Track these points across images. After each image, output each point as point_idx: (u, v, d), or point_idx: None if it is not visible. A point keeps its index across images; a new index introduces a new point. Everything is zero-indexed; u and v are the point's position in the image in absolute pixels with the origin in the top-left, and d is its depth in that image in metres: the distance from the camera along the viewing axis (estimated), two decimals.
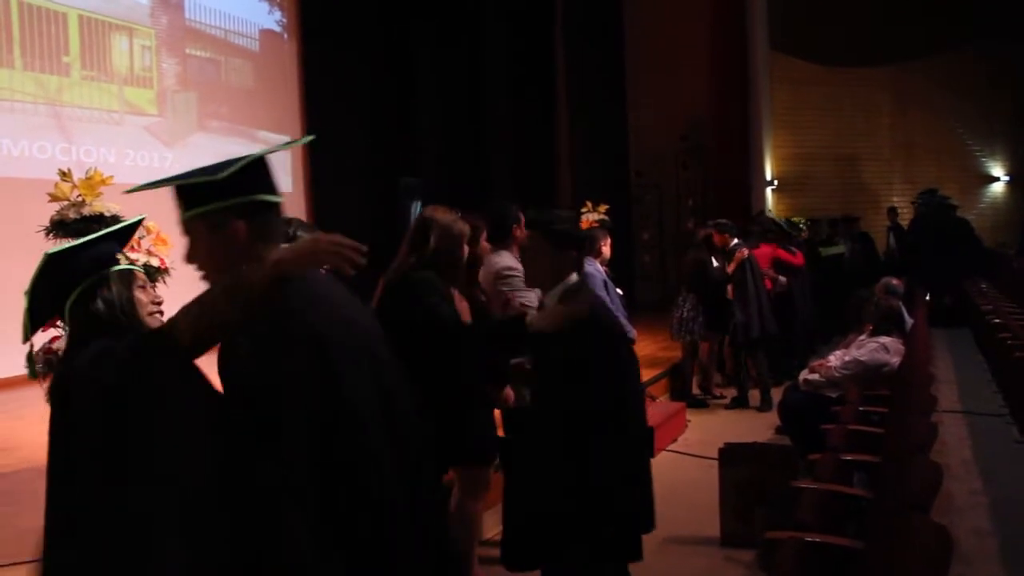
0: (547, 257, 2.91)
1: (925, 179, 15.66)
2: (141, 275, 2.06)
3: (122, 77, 9.40)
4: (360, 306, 2.06)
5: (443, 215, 3.37)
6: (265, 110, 11.03)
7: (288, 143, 9.42)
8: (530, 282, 3.11)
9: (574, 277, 2.94)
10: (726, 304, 7.71)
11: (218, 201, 1.83)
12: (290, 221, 2.94)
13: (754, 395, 7.79)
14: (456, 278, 3.40)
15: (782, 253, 8.75)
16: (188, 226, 1.88)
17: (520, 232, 4.41)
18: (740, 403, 7.81)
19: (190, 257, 1.90)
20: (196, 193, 1.85)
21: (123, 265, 2.03)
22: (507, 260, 4.30)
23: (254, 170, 1.87)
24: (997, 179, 16.58)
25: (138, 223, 2.25)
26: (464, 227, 3.40)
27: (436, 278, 3.24)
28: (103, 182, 5.39)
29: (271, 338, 1.77)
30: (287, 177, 11.24)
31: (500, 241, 4.31)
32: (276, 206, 1.92)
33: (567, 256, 2.91)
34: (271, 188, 1.92)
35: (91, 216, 5.26)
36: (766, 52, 15.34)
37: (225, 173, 1.79)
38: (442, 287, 3.25)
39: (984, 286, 11.12)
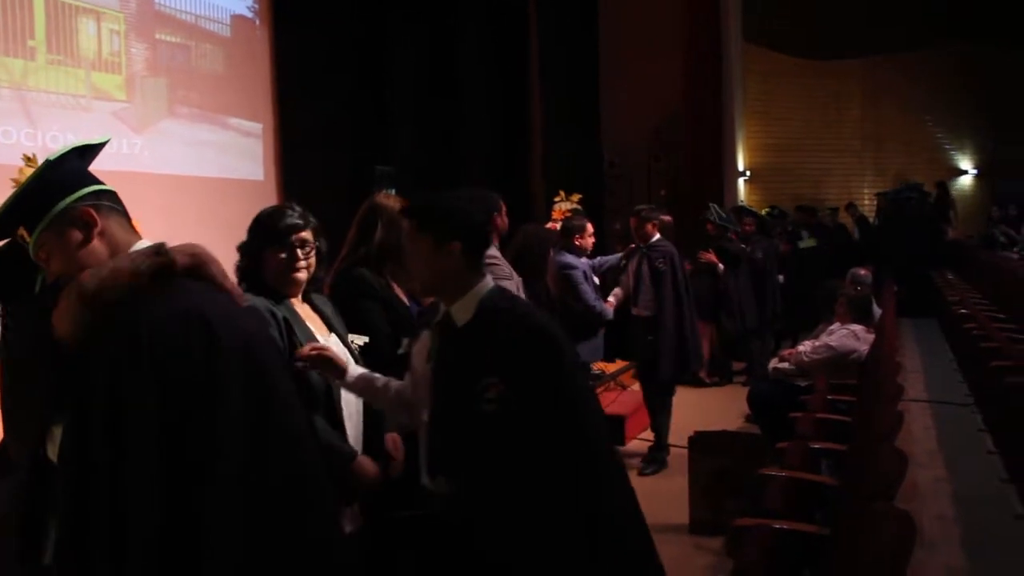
0: (427, 255, 2.23)
1: (895, 171, 15.85)
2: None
3: (89, 62, 9.27)
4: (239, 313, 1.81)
5: (392, 204, 3.21)
6: (236, 96, 10.92)
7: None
8: (419, 290, 2.41)
9: (488, 282, 2.26)
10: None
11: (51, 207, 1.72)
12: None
13: None
14: (401, 271, 3.19)
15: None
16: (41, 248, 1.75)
17: (501, 221, 4.41)
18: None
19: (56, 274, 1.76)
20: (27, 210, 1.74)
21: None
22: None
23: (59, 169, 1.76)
24: (965, 172, 16.80)
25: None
26: None
27: (372, 276, 3.08)
28: None
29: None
30: (258, 166, 11.14)
31: None
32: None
33: (450, 250, 2.20)
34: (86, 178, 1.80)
35: None
36: (739, 43, 15.40)
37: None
38: (380, 285, 3.09)
39: (951, 277, 11.27)
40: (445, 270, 2.20)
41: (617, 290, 6.31)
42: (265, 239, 2.55)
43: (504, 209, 4.44)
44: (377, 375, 2.50)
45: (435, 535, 2.18)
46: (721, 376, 8.65)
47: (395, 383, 2.48)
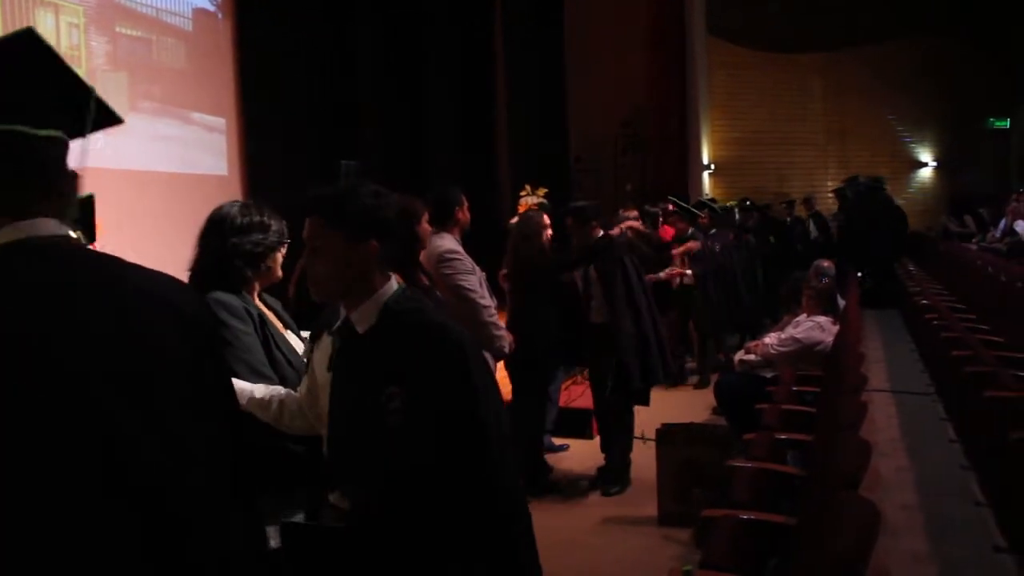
0: (338, 254, 1.98)
1: (858, 164, 16.03)
2: None
3: None
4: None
5: None
6: (198, 91, 10.79)
7: None
8: (321, 294, 2.06)
9: (393, 285, 2.03)
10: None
11: None
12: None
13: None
14: None
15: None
16: None
17: (463, 215, 4.41)
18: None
19: None
20: None
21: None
22: (449, 243, 4.29)
23: None
24: (925, 164, 17.05)
25: None
26: None
27: None
28: None
29: None
30: (221, 161, 11.02)
31: (442, 224, 4.29)
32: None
33: (365, 250, 1.97)
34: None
35: None
36: (703, 37, 15.50)
37: None
38: None
39: (912, 268, 11.42)
40: (355, 272, 1.98)
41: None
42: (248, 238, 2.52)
43: (466, 204, 4.44)
44: (257, 387, 2.35)
45: (336, 547, 2.00)
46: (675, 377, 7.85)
47: (279, 395, 2.34)
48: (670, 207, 8.86)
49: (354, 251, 1.96)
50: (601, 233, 5.37)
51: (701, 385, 7.81)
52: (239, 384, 2.26)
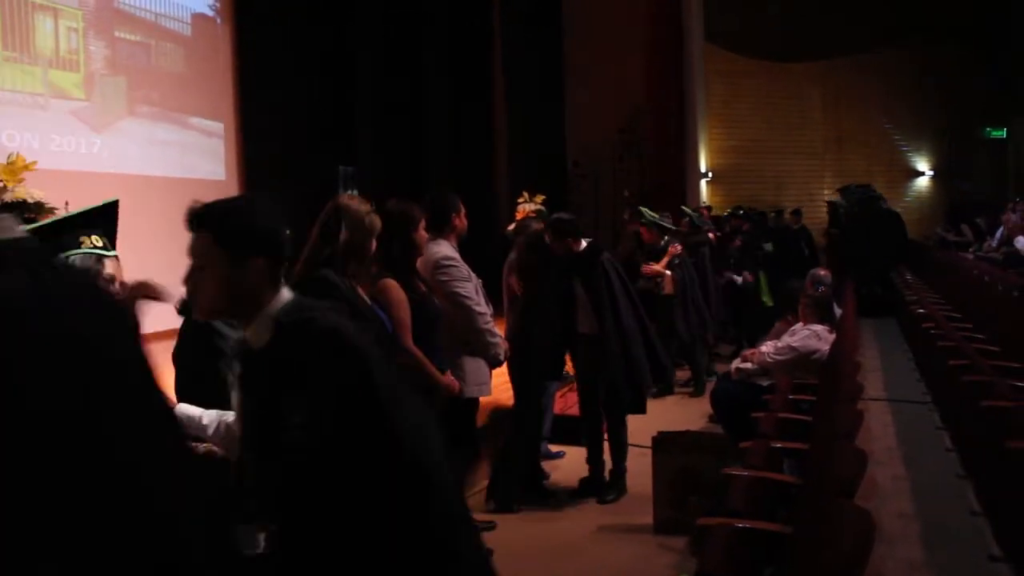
0: (224, 272, 1.91)
1: (855, 172, 16.07)
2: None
3: (47, 59, 9.11)
4: None
5: (357, 206, 3.21)
6: (197, 96, 10.80)
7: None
8: (205, 313, 2.01)
9: (284, 296, 1.94)
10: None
11: None
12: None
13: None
14: (363, 272, 3.27)
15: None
16: None
17: (460, 222, 4.40)
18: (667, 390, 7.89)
19: None
20: None
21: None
22: (445, 250, 4.28)
23: None
24: (922, 174, 17.09)
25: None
26: (376, 220, 3.24)
27: (336, 278, 3.07)
28: (26, 167, 5.22)
29: None
30: (219, 166, 11.02)
31: (439, 231, 4.29)
32: None
33: (252, 266, 1.90)
34: None
35: (13, 203, 5.10)
36: (701, 45, 15.54)
37: None
38: (344, 286, 3.08)
39: (909, 277, 11.44)
40: (241, 290, 1.90)
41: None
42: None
43: (464, 210, 4.44)
44: (199, 412, 2.27)
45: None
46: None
47: (225, 419, 2.25)
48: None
49: (241, 269, 1.89)
50: (584, 245, 5.26)
51: (696, 393, 7.82)
52: (188, 410, 2.23)
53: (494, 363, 4.45)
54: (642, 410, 5.37)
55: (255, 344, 1.92)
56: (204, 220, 1.91)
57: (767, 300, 9.91)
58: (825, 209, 15.40)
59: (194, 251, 1.93)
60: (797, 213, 13.90)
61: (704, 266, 8.78)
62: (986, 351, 5.70)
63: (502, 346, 4.45)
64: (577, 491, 5.35)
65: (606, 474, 5.32)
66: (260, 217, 1.95)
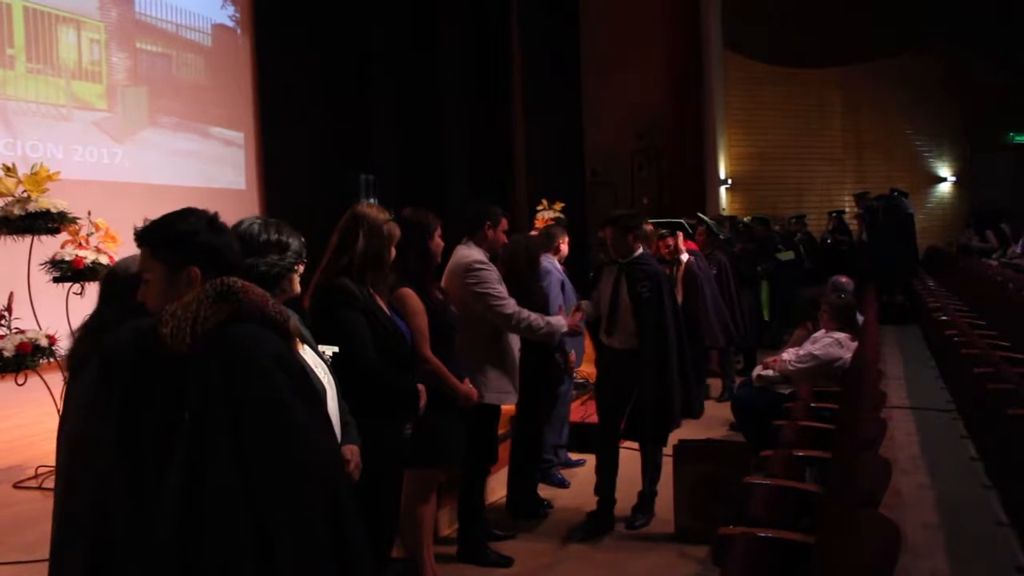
0: (162, 283, 1.98)
1: (875, 179, 15.94)
2: None
3: (70, 71, 9.21)
4: None
5: (375, 214, 3.21)
6: (217, 106, 10.88)
7: None
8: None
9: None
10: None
11: None
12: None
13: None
14: (381, 281, 3.26)
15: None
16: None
17: (492, 234, 4.38)
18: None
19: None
20: None
21: None
22: (477, 254, 4.30)
23: None
24: (944, 180, 16.95)
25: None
26: (394, 229, 3.24)
27: (354, 286, 3.08)
28: (49, 178, 5.28)
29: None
30: (240, 175, 11.09)
31: (471, 236, 4.34)
32: None
33: (186, 276, 1.97)
34: None
35: (37, 212, 5.15)
36: (720, 52, 15.50)
37: None
38: (362, 295, 3.09)
39: (932, 284, 11.33)
40: (177, 296, 1.94)
41: (584, 303, 5.02)
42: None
43: (503, 225, 4.42)
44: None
45: None
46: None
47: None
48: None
49: (175, 278, 1.97)
50: (641, 250, 4.84)
51: (723, 399, 7.78)
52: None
53: (558, 345, 4.71)
54: (663, 443, 4.89)
55: (176, 348, 1.89)
56: (142, 236, 2.02)
57: (765, 314, 9.78)
58: (850, 214, 15.23)
59: (139, 264, 2.04)
60: (800, 220, 13.74)
61: (726, 275, 8.71)
62: (1011, 359, 5.63)
63: (557, 323, 4.40)
64: (583, 525, 4.83)
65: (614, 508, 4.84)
66: (188, 229, 1.99)
